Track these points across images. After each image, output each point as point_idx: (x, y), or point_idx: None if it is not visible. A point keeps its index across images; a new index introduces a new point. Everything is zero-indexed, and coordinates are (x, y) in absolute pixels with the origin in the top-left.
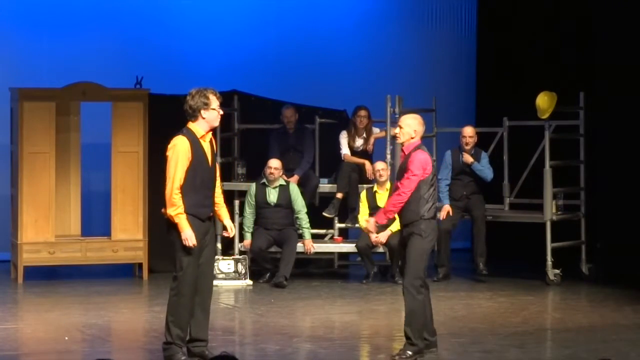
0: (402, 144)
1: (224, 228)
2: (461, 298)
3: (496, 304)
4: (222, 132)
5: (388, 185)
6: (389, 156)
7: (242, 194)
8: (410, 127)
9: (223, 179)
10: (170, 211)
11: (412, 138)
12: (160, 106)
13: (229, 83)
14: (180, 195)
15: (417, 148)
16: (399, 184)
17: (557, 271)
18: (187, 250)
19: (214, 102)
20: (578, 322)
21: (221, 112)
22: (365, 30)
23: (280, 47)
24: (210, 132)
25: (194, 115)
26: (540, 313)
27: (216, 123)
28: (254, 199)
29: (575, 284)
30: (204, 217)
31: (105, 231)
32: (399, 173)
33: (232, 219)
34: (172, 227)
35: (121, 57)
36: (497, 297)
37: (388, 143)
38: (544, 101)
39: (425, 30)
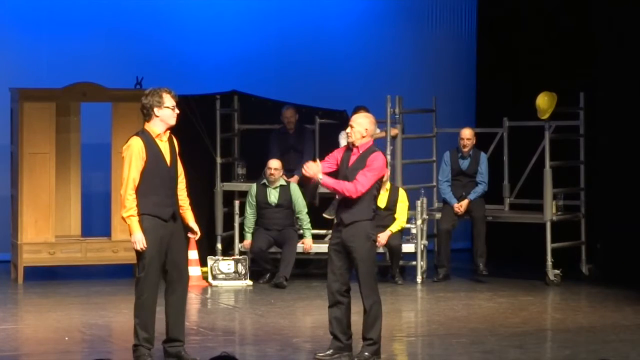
0: (352, 143)
1: (190, 230)
2: (461, 298)
3: (496, 305)
4: (222, 132)
5: (388, 185)
6: (389, 156)
7: (242, 195)
8: (362, 125)
9: (223, 179)
10: (122, 212)
11: (363, 137)
12: None
13: (229, 83)
14: (134, 196)
15: (374, 150)
16: (359, 175)
17: (557, 271)
18: (148, 253)
19: (168, 100)
20: (578, 323)
21: (177, 111)
22: (365, 31)
23: (280, 47)
24: (169, 132)
25: (149, 114)
26: (540, 313)
27: (172, 121)
28: (254, 199)
29: (575, 285)
30: (166, 217)
31: (105, 231)
32: (351, 170)
33: (232, 219)
34: None
35: (121, 57)
36: (497, 297)
37: (388, 143)
38: (544, 101)
39: (425, 30)
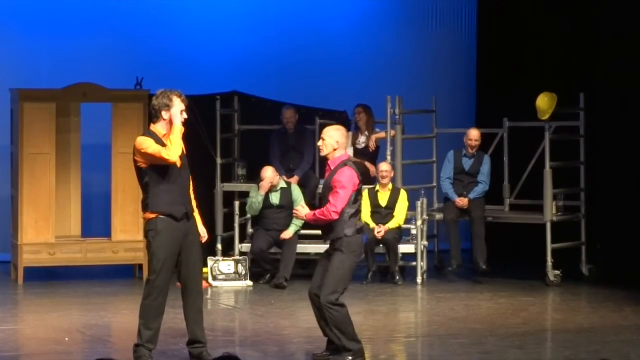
0: (327, 158)
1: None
2: (461, 298)
3: (496, 305)
4: (222, 132)
5: (390, 185)
6: (389, 157)
7: (242, 195)
8: (333, 138)
9: (223, 180)
10: (168, 151)
11: (335, 149)
12: None
13: (229, 83)
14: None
15: (344, 164)
16: (329, 197)
17: (557, 272)
18: (160, 255)
19: (177, 104)
20: (578, 323)
21: (185, 116)
22: (365, 31)
23: (280, 47)
24: None
25: (156, 115)
26: (540, 314)
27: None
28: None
29: (575, 285)
30: (179, 215)
31: (105, 232)
32: (324, 189)
33: (232, 219)
34: (148, 230)
35: (121, 57)
36: (497, 297)
37: (388, 143)
38: (544, 102)
39: (425, 30)
